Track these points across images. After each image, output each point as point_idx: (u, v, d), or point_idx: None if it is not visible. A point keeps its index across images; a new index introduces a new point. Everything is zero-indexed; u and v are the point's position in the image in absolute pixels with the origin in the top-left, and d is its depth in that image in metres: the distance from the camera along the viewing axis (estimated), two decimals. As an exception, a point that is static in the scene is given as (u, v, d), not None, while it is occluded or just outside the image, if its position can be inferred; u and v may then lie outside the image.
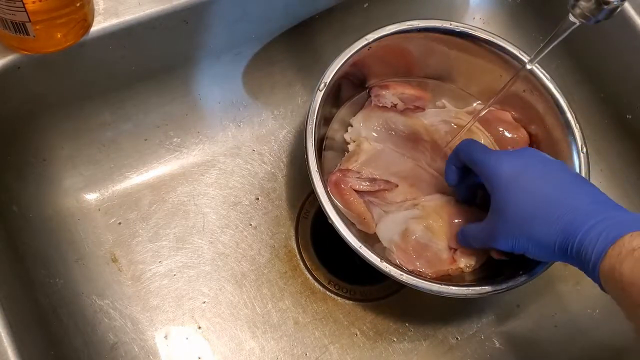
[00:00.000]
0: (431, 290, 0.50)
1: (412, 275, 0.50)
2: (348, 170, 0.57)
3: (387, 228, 0.56)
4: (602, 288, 0.43)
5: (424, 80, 0.63)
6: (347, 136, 0.60)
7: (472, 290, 0.51)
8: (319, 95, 0.54)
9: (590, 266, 0.43)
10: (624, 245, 0.41)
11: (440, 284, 0.51)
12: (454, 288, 0.50)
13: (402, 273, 0.50)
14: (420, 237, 0.55)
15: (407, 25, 0.57)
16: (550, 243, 0.45)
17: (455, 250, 0.55)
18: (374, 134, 0.59)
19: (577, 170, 0.56)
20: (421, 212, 0.56)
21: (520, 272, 0.52)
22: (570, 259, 0.45)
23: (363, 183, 0.56)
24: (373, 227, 0.56)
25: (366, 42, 0.56)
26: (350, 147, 0.59)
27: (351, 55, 0.56)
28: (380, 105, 0.60)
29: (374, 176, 0.57)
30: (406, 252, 0.55)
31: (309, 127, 0.53)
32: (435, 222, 0.56)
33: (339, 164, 0.58)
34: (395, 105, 0.60)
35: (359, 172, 0.57)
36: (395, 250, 0.55)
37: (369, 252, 0.50)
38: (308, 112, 0.53)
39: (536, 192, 0.46)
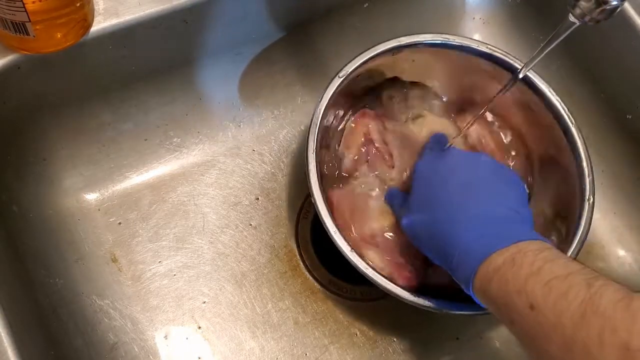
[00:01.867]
0: (413, 302, 0.49)
1: (393, 283, 0.50)
2: (381, 119, 0.58)
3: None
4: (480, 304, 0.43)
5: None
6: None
7: (460, 311, 0.50)
8: (337, 82, 0.53)
9: (464, 284, 0.43)
10: (491, 264, 0.40)
11: (425, 298, 0.50)
12: (441, 303, 0.50)
13: (388, 282, 0.49)
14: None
15: (442, 38, 0.56)
16: (435, 256, 0.46)
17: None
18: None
19: (583, 174, 0.55)
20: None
21: None
22: (451, 272, 0.45)
23: (378, 137, 0.57)
24: (348, 163, 0.57)
25: (398, 44, 0.55)
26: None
27: (379, 53, 0.55)
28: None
29: (387, 143, 0.58)
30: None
31: (318, 110, 0.53)
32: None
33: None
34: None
35: (385, 130, 0.58)
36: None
37: (356, 257, 0.50)
38: (321, 98, 0.53)
39: (430, 201, 0.48)
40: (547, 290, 0.36)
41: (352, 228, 0.54)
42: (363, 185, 0.57)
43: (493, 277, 0.40)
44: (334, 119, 0.59)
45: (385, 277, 0.50)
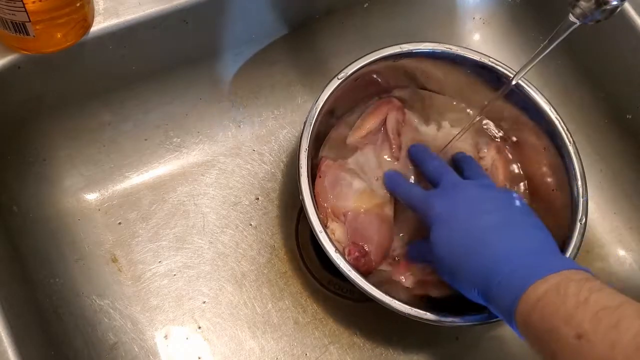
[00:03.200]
0: (402, 312, 0.49)
1: (385, 293, 0.49)
2: (404, 112, 0.59)
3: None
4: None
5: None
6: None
7: (449, 319, 0.50)
8: (335, 83, 0.54)
9: (508, 318, 0.42)
10: (532, 293, 0.39)
11: (414, 308, 0.49)
12: (429, 315, 0.49)
13: (377, 290, 0.49)
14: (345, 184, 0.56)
15: (445, 47, 0.57)
16: (473, 290, 0.45)
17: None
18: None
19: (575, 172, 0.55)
20: (366, 191, 0.56)
21: None
22: (493, 308, 0.44)
23: (393, 126, 0.58)
24: (355, 139, 0.58)
25: (399, 50, 0.55)
26: None
27: (380, 58, 0.55)
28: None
29: (401, 135, 0.59)
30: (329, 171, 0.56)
31: (314, 109, 0.53)
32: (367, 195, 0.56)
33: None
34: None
35: (403, 123, 0.59)
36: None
37: (343, 261, 0.50)
38: (318, 98, 0.53)
39: (460, 237, 0.46)
40: (596, 321, 0.35)
41: (328, 198, 0.55)
42: (357, 163, 0.57)
43: (536, 306, 0.39)
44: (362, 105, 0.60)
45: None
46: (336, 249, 0.50)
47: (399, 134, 0.59)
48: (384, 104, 0.60)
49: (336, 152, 0.58)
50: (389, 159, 0.58)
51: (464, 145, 0.60)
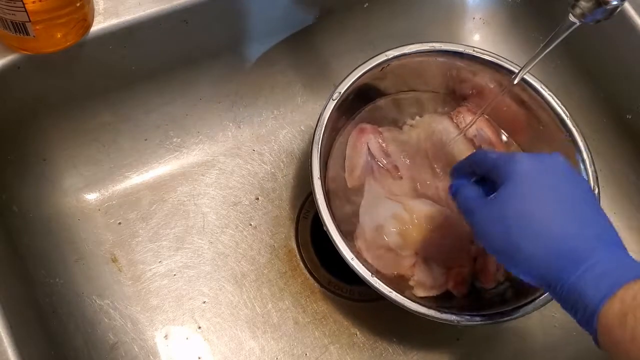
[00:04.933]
0: (416, 312, 0.50)
1: (399, 294, 0.50)
2: (379, 132, 0.58)
3: (368, 212, 0.55)
4: (595, 339, 0.38)
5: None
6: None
7: (460, 317, 0.50)
8: (331, 105, 0.54)
9: (586, 311, 0.37)
10: (624, 295, 0.35)
11: (428, 308, 0.50)
12: (443, 315, 0.50)
13: (390, 290, 0.49)
14: (390, 241, 0.54)
15: (429, 47, 0.57)
16: (538, 268, 0.40)
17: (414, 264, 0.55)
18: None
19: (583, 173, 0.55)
20: (405, 215, 0.55)
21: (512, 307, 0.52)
22: (557, 296, 0.40)
23: (379, 151, 0.57)
24: (354, 181, 0.57)
25: (385, 58, 0.56)
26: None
27: (369, 69, 0.56)
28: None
29: (390, 155, 0.58)
30: (370, 247, 0.55)
31: (316, 136, 0.53)
32: (413, 230, 0.55)
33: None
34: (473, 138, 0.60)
35: (384, 143, 0.58)
36: (359, 237, 0.55)
37: (361, 266, 0.50)
38: (318, 120, 0.53)
39: (540, 204, 0.40)
40: None
41: (386, 260, 0.55)
42: (370, 201, 0.56)
43: (631, 307, 0.35)
44: (334, 135, 0.59)
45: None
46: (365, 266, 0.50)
47: (387, 155, 0.58)
48: (359, 135, 0.58)
49: (344, 199, 0.57)
50: (394, 180, 0.58)
51: (443, 126, 0.60)
